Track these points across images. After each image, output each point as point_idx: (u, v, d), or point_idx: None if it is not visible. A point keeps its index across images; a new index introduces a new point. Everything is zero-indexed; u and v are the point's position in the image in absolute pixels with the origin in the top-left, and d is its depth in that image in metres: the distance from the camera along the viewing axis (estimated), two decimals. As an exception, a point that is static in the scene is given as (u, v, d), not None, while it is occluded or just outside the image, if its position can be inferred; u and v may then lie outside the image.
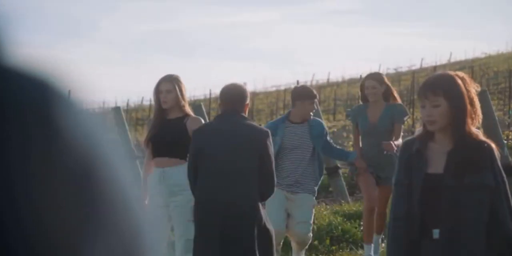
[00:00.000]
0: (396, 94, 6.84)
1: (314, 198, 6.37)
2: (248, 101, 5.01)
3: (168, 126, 5.28)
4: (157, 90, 5.33)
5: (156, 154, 5.33)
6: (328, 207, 8.54)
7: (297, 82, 15.61)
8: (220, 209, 4.70)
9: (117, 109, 13.04)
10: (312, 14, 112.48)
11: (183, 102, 5.32)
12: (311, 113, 6.30)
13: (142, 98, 40.24)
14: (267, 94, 44.96)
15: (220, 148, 4.76)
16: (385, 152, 6.31)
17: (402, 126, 6.75)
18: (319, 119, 6.75)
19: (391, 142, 6.23)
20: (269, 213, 5.42)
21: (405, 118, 6.70)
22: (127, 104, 37.14)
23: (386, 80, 6.83)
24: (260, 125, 4.98)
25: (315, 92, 6.60)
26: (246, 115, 5.01)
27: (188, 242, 5.09)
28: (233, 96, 4.89)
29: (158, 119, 5.35)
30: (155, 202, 5.26)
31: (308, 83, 47.46)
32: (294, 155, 6.18)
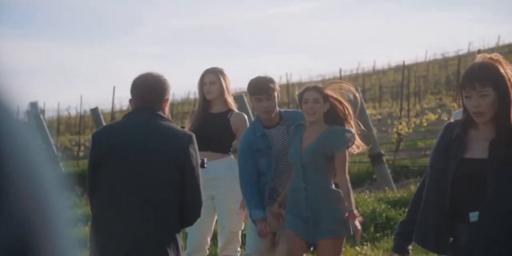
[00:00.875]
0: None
1: None
2: (168, 95, 3.72)
3: (211, 121, 5.22)
4: (201, 82, 5.34)
5: (198, 148, 5.34)
6: (372, 194, 8.48)
7: (340, 70, 15.50)
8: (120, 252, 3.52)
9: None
10: (353, 1, 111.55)
11: (226, 94, 5.30)
12: (267, 111, 4.72)
13: (188, 92, 40.54)
14: (312, 84, 44.70)
15: (123, 160, 3.52)
16: None
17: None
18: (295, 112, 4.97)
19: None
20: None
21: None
22: (173, 98, 37.43)
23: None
24: (183, 127, 3.70)
25: (269, 83, 4.76)
26: (166, 114, 3.71)
27: (231, 234, 5.12)
28: (146, 89, 3.64)
29: (201, 113, 5.33)
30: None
31: (354, 71, 47.17)
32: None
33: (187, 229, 5.29)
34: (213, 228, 5.28)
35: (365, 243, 6.97)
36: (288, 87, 25.67)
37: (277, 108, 4.79)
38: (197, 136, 5.23)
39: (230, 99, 5.34)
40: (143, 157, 3.52)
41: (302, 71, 76.69)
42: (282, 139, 4.73)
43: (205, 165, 3.85)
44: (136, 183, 3.49)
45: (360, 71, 47.33)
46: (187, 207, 3.59)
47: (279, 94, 4.83)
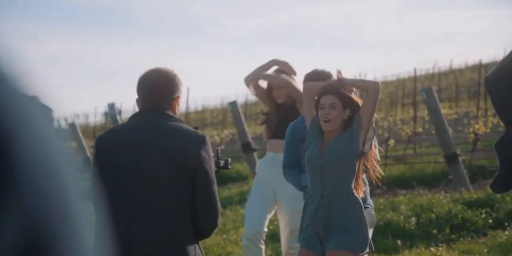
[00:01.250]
0: None
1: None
2: (179, 93, 3.38)
3: (283, 110, 5.35)
4: (269, 86, 5.50)
5: (271, 136, 5.44)
6: (447, 195, 8.33)
7: (415, 69, 15.26)
8: None
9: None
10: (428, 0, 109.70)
11: (296, 94, 5.35)
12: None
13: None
14: (387, 83, 44.28)
15: (130, 165, 3.22)
16: None
17: None
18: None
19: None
20: None
21: None
22: (246, 99, 37.56)
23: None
24: (196, 128, 3.35)
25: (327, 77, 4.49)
26: (177, 113, 3.39)
27: (293, 232, 5.09)
28: (154, 87, 3.32)
29: (274, 108, 5.44)
30: (262, 184, 5.34)
31: (430, 71, 46.44)
32: None
33: (245, 213, 5.36)
34: (266, 220, 5.28)
35: (440, 245, 6.85)
36: (362, 87, 25.38)
37: None
38: (270, 124, 5.39)
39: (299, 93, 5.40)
40: (153, 161, 3.19)
41: (376, 70, 75.88)
42: None
43: (229, 166, 3.59)
44: (136, 181, 3.19)
45: (436, 70, 46.53)
46: (200, 216, 3.20)
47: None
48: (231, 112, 12.48)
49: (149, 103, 3.32)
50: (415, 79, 15.36)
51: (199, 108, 47.00)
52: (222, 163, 3.54)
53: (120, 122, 16.21)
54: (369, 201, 4.40)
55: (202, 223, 3.23)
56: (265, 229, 5.32)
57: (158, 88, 3.32)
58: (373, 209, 4.41)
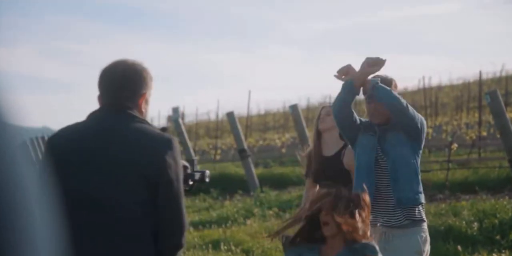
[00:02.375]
0: None
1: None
2: (147, 89, 2.87)
3: (327, 164, 4.88)
4: (319, 115, 5.20)
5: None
6: (511, 200, 8.13)
7: (480, 73, 14.95)
8: None
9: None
10: (491, 1, 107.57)
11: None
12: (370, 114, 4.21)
13: (325, 96, 40.50)
14: (452, 87, 43.59)
15: (82, 174, 2.70)
16: None
17: None
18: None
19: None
20: None
21: None
22: (308, 102, 37.50)
23: None
24: (163, 130, 2.85)
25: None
26: (144, 112, 2.88)
27: None
28: (118, 82, 2.81)
29: (316, 155, 4.99)
30: None
31: (497, 74, 45.51)
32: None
33: None
34: None
35: (503, 251, 6.68)
36: (425, 91, 25.11)
37: None
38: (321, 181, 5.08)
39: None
40: (109, 170, 2.67)
41: (442, 74, 74.72)
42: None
43: (207, 179, 3.06)
44: (98, 203, 2.66)
45: (503, 73, 45.59)
46: (162, 235, 2.69)
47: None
48: (292, 115, 12.48)
49: (110, 100, 2.81)
50: (480, 82, 15.05)
51: (262, 112, 47.09)
52: (198, 175, 3.01)
53: (182, 126, 16.35)
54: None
55: (164, 243, 2.70)
56: None
57: (121, 82, 2.81)
58: None
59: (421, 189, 4.08)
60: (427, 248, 4.02)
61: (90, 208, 2.66)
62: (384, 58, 3.98)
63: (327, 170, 4.83)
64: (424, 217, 4.05)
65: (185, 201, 2.73)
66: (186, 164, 2.96)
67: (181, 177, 2.75)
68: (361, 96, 4.15)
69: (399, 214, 3.98)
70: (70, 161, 2.71)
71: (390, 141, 4.03)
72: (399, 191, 3.98)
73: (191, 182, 2.99)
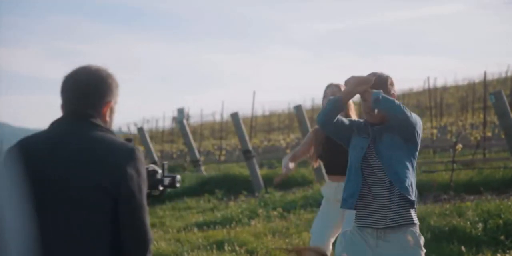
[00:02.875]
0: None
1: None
2: (113, 97, 2.74)
3: (338, 145, 5.13)
4: (325, 94, 5.41)
5: (330, 172, 5.44)
6: (516, 201, 8.11)
7: (485, 73, 14.93)
8: None
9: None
10: (500, 3, 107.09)
11: (350, 109, 5.30)
12: (366, 112, 4.11)
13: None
14: (457, 88, 43.53)
15: (39, 186, 2.57)
16: None
17: None
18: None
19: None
20: None
21: None
22: (313, 102, 37.50)
23: None
24: (129, 141, 2.72)
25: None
26: (109, 122, 2.75)
27: None
28: (81, 89, 2.69)
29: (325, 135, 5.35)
30: (330, 204, 5.36)
31: (503, 75, 45.43)
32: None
33: (312, 231, 5.32)
34: (336, 235, 5.27)
35: (507, 251, 6.67)
36: (430, 91, 25.06)
37: None
38: (327, 159, 5.34)
39: (352, 110, 5.32)
40: (59, 182, 2.54)
41: (447, 74, 74.69)
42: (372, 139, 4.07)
43: (178, 184, 2.94)
44: (55, 219, 2.53)
45: (509, 74, 45.48)
46: (124, 250, 2.57)
47: (393, 97, 4.10)
48: (296, 116, 12.47)
49: (72, 108, 2.69)
50: (485, 83, 15.03)
51: (266, 113, 47.10)
52: (167, 181, 2.91)
53: (187, 127, 16.36)
54: None
55: None
56: (330, 248, 5.31)
57: (84, 90, 2.68)
58: None
59: (415, 191, 3.98)
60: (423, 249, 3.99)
61: (50, 227, 2.53)
62: (373, 77, 4.00)
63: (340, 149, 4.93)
64: (416, 220, 3.99)
65: (148, 215, 2.62)
66: (156, 168, 2.85)
67: (145, 189, 2.62)
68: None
69: (392, 216, 3.92)
70: (26, 174, 2.57)
71: (386, 143, 3.99)
72: (401, 182, 3.92)
73: (161, 188, 2.87)
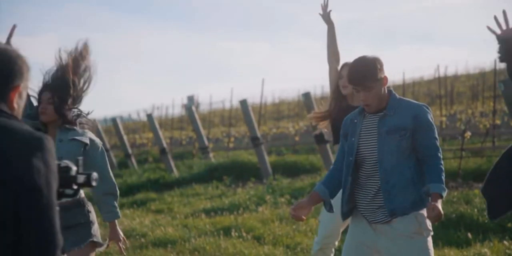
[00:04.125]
0: None
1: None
2: (22, 81, 2.39)
3: (347, 112, 5.16)
4: (340, 75, 5.35)
5: (337, 141, 5.38)
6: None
7: (495, 61, 14.83)
8: None
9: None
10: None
11: None
12: (365, 104, 3.87)
13: (340, 85, 40.43)
14: (468, 76, 43.33)
15: None
16: None
17: None
18: (412, 103, 3.91)
19: None
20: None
21: None
22: (323, 90, 37.43)
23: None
24: (38, 130, 2.43)
25: (366, 72, 3.80)
26: (16, 108, 2.37)
27: None
28: None
29: (337, 104, 5.30)
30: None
31: None
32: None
33: (320, 219, 5.30)
34: (346, 224, 5.22)
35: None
36: (440, 80, 24.96)
37: (385, 93, 3.88)
38: (335, 128, 5.27)
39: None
40: None
41: (458, 63, 74.38)
42: (374, 130, 3.88)
43: (93, 183, 2.49)
44: None
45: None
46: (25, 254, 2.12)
47: (385, 80, 3.86)
48: (304, 103, 12.45)
49: None
50: (495, 71, 14.94)
51: (276, 101, 47.05)
52: (82, 178, 2.48)
53: (196, 114, 16.36)
54: None
55: None
56: (338, 238, 5.29)
57: None
58: None
59: (419, 196, 3.79)
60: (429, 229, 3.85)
61: None
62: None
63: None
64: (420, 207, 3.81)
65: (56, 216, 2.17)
66: (70, 165, 2.43)
67: (54, 184, 2.23)
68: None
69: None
70: None
71: (384, 146, 3.80)
72: (391, 202, 3.78)
73: (75, 187, 2.44)
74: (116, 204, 4.33)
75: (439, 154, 3.80)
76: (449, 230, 7.19)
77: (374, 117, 3.88)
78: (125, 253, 4.34)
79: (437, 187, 3.70)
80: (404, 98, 3.92)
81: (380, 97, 3.83)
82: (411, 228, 3.79)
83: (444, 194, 3.72)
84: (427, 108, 3.89)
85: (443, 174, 3.78)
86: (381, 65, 3.82)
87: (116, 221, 4.32)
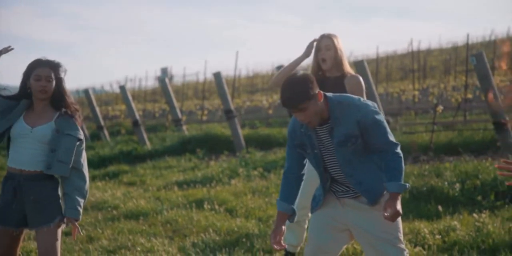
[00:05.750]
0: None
1: None
2: None
3: (325, 86, 5.20)
4: (317, 48, 5.33)
5: None
6: (494, 162, 8.17)
7: (467, 36, 14.86)
8: None
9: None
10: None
11: (341, 59, 5.27)
12: (303, 123, 3.81)
13: (314, 58, 40.36)
14: (441, 50, 43.52)
15: None
16: None
17: None
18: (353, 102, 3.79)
19: None
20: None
21: None
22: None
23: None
24: None
25: (299, 98, 3.62)
26: None
27: None
28: None
29: (315, 75, 5.32)
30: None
31: (486, 38, 45.47)
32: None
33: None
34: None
35: (484, 211, 6.73)
36: (413, 54, 25.02)
37: (323, 105, 3.74)
38: None
39: (345, 63, 5.29)
40: None
41: (431, 37, 74.66)
42: (328, 141, 3.82)
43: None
44: None
45: (493, 37, 45.52)
46: None
47: (319, 95, 3.70)
48: (278, 76, 12.42)
49: None
50: (467, 45, 14.99)
51: (250, 74, 46.95)
52: None
53: (169, 86, 16.26)
54: None
55: None
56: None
57: None
58: None
59: None
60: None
61: None
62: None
63: (326, 91, 4.96)
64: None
65: None
66: None
67: None
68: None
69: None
70: None
71: (341, 156, 3.79)
72: (369, 195, 3.82)
73: None
74: (82, 205, 4.19)
75: (394, 149, 3.75)
76: (419, 203, 7.26)
77: (323, 129, 3.81)
78: (81, 233, 4.27)
79: (393, 186, 3.70)
80: (343, 100, 3.78)
81: (318, 112, 3.71)
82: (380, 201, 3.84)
83: (403, 190, 3.71)
84: (368, 105, 3.77)
85: (401, 168, 3.74)
86: (311, 81, 3.67)
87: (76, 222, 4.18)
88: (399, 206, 3.68)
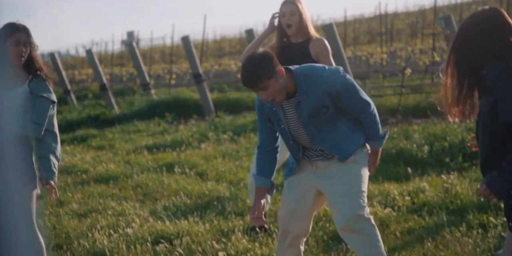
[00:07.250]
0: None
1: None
2: None
3: (290, 51, 5.18)
4: (281, 13, 5.28)
5: None
6: (462, 124, 8.27)
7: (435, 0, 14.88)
8: None
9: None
10: None
11: (306, 23, 5.24)
12: (267, 101, 3.78)
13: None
14: (408, 14, 43.59)
15: None
16: None
17: None
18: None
19: None
20: None
21: None
22: (264, 27, 37.19)
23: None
24: None
25: (258, 78, 3.61)
26: None
27: None
28: None
29: (280, 43, 5.29)
30: None
31: (453, 1, 45.60)
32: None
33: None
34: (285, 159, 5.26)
35: (452, 173, 6.83)
36: (381, 17, 25.03)
37: (288, 80, 3.72)
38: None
39: (310, 27, 5.27)
40: None
41: (398, 0, 74.63)
42: (295, 114, 3.83)
43: None
44: None
45: (459, 0, 45.66)
46: None
47: (280, 72, 3.66)
48: (247, 40, 12.35)
49: None
50: (435, 8, 15.03)
51: (218, 38, 46.67)
52: None
53: (136, 50, 16.10)
54: None
55: None
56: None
57: None
58: None
59: (363, 137, 3.92)
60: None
61: None
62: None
63: (292, 57, 4.96)
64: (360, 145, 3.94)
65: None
66: None
67: None
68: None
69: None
70: None
71: (310, 126, 3.82)
72: (338, 151, 3.87)
73: None
74: (57, 167, 4.14)
75: (370, 109, 3.84)
76: (389, 165, 7.34)
77: (290, 102, 3.80)
78: (57, 195, 4.24)
79: (375, 144, 3.96)
80: (309, 73, 3.75)
81: (282, 89, 3.68)
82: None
83: (383, 142, 3.97)
84: (333, 73, 3.77)
85: (378, 126, 3.92)
86: (270, 59, 3.63)
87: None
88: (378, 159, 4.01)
